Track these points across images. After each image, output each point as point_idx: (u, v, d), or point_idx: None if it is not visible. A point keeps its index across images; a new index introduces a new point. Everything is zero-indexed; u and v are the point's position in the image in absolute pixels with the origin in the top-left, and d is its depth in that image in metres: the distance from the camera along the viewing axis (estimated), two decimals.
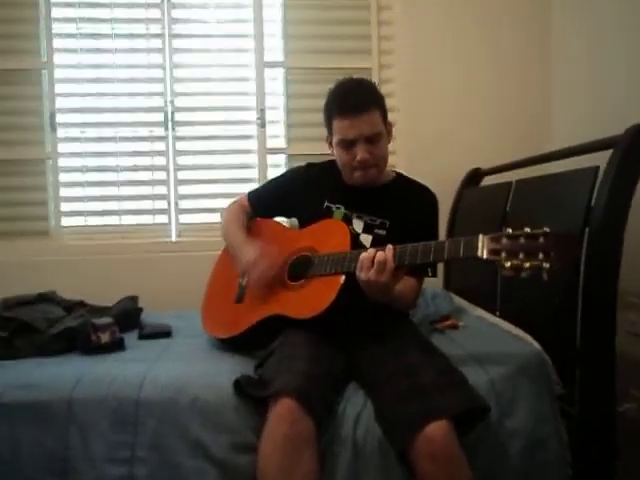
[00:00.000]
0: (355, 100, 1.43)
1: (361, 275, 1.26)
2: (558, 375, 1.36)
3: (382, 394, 1.23)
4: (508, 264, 1.08)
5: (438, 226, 1.57)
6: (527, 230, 1.09)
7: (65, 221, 2.50)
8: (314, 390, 1.16)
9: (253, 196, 1.71)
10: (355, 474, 1.19)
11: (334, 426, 1.22)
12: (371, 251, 1.26)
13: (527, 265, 1.07)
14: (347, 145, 1.44)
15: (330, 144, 1.53)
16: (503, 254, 1.09)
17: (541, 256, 1.06)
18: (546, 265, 1.05)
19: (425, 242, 1.25)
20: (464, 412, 1.13)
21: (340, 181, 1.56)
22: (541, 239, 1.07)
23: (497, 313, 1.82)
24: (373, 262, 1.24)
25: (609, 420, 1.35)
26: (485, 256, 1.12)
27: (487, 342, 1.52)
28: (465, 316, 1.85)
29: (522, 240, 1.08)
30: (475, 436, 1.20)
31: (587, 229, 1.36)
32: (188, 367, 1.40)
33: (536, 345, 1.43)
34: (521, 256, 1.07)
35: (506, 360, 1.36)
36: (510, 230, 1.11)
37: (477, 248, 1.13)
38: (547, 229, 1.08)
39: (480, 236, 1.14)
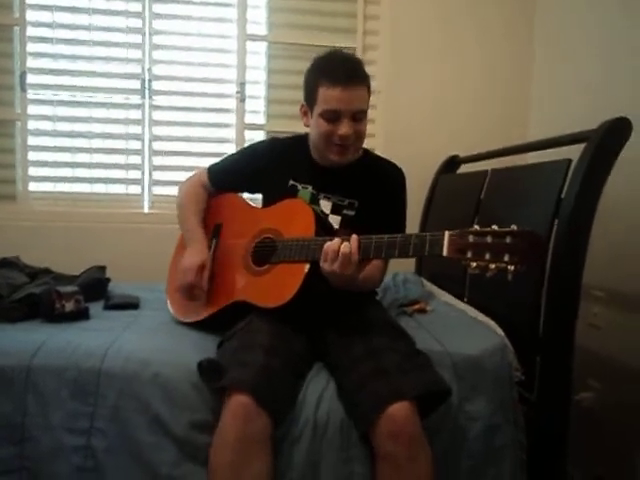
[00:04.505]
0: (349, 71, 1.35)
1: (325, 266, 1.23)
2: (519, 362, 1.39)
3: (347, 375, 1.23)
4: (474, 264, 1.06)
5: (406, 204, 1.52)
6: (494, 227, 1.07)
7: (33, 186, 2.43)
8: (270, 385, 1.14)
9: (213, 171, 1.63)
10: (316, 454, 1.20)
11: (295, 408, 1.22)
12: (336, 241, 1.21)
13: (492, 266, 1.05)
14: (331, 117, 1.36)
15: (304, 113, 1.45)
16: (469, 253, 1.07)
17: (507, 257, 1.04)
18: (511, 267, 1.04)
19: (391, 235, 1.20)
20: (426, 394, 1.15)
21: (307, 158, 1.50)
22: (508, 238, 1.05)
23: (465, 299, 1.85)
24: (338, 254, 1.20)
25: (565, 408, 1.39)
26: (450, 255, 1.09)
27: (453, 327, 1.54)
28: (434, 301, 1.87)
29: (489, 239, 1.06)
30: (436, 418, 1.22)
31: (556, 221, 1.38)
32: (153, 341, 1.39)
33: (500, 332, 1.46)
34: (487, 256, 1.05)
35: (470, 345, 1.38)
36: (477, 227, 1.09)
37: (442, 247, 1.10)
38: (515, 227, 1.06)
39: (446, 234, 1.10)
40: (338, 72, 1.34)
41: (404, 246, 1.18)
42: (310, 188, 1.48)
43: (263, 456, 1.11)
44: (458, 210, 2.06)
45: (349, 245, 1.20)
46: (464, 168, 2.41)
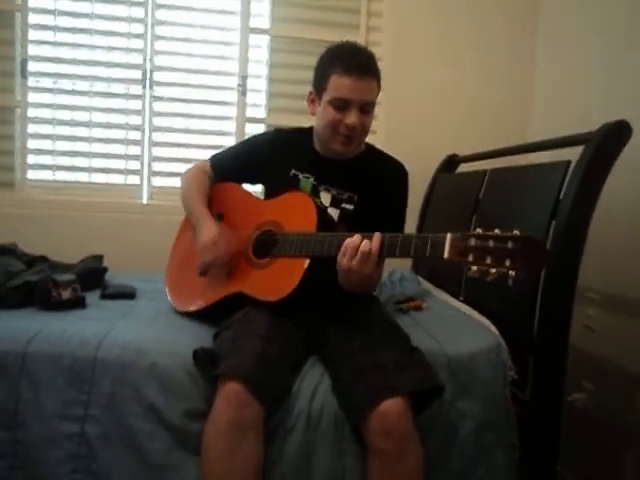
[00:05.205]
0: (363, 63, 1.36)
1: (343, 261, 1.21)
2: (513, 361, 1.40)
3: (342, 369, 1.24)
4: (475, 268, 1.06)
5: (407, 202, 1.51)
6: (497, 232, 1.06)
7: (31, 174, 2.42)
8: (265, 373, 1.15)
9: (216, 161, 1.64)
10: (309, 445, 1.21)
11: (289, 400, 1.22)
12: (357, 237, 1.20)
13: (493, 271, 1.04)
14: (340, 105, 1.35)
15: (312, 101, 1.45)
16: (470, 256, 1.06)
17: (508, 263, 1.03)
18: (512, 273, 1.03)
19: (392, 234, 1.21)
20: (420, 390, 1.16)
21: (310, 150, 1.51)
22: (510, 243, 1.04)
23: (461, 298, 1.86)
24: (357, 250, 1.19)
25: (557, 408, 1.40)
26: (452, 257, 1.09)
27: (448, 325, 1.55)
28: (430, 299, 1.87)
29: (490, 243, 1.05)
30: (428, 415, 1.23)
31: (554, 222, 1.38)
32: (149, 331, 1.39)
33: (494, 331, 1.47)
34: (488, 261, 1.04)
35: (464, 343, 1.39)
36: (480, 230, 1.08)
37: (444, 249, 1.10)
38: (517, 232, 1.05)
39: (448, 236, 1.10)
40: (352, 62, 1.35)
41: (405, 245, 1.18)
42: (312, 179, 1.48)
43: (255, 442, 1.13)
44: (456, 209, 2.06)
45: (370, 243, 1.19)
46: (463, 167, 2.42)
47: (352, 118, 1.36)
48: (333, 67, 1.36)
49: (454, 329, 1.50)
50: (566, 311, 1.37)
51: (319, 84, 1.41)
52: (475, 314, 1.61)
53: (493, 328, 1.48)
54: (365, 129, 1.41)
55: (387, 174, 1.50)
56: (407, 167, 1.55)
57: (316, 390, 1.25)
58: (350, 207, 1.46)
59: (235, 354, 1.17)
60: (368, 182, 1.46)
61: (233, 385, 1.12)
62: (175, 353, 1.27)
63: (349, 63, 1.34)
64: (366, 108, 1.37)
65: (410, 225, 1.60)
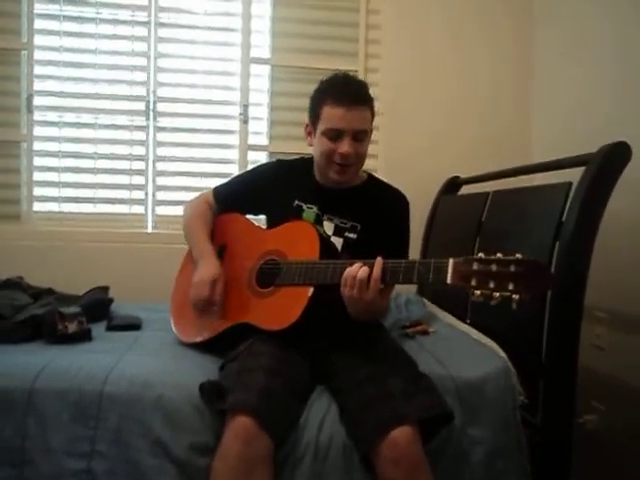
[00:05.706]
0: (354, 92, 1.39)
1: (344, 291, 1.23)
2: (522, 385, 1.39)
3: (350, 399, 1.23)
4: (478, 292, 1.06)
5: (409, 231, 1.53)
6: (499, 256, 1.06)
7: (37, 206, 2.45)
8: (272, 406, 1.14)
9: (219, 192, 1.65)
10: (318, 477, 1.19)
11: (297, 431, 1.21)
12: (355, 267, 1.22)
13: (497, 295, 1.04)
14: (334, 135, 1.39)
15: (309, 133, 1.48)
16: (473, 281, 1.06)
17: (511, 286, 1.03)
18: (515, 296, 1.03)
19: (395, 260, 1.21)
20: (429, 418, 1.15)
21: (312, 180, 1.53)
22: (512, 267, 1.04)
23: (467, 321, 1.85)
24: (355, 279, 1.20)
25: (569, 431, 1.38)
26: (455, 282, 1.09)
27: (455, 349, 1.54)
28: (436, 322, 1.86)
29: (493, 267, 1.05)
30: (438, 442, 1.22)
31: (557, 243, 1.39)
32: (155, 363, 1.38)
33: (502, 355, 1.45)
34: (491, 285, 1.05)
35: (473, 368, 1.38)
36: (482, 255, 1.08)
37: (447, 274, 1.10)
38: (519, 256, 1.05)
39: (450, 261, 1.11)
40: (343, 93, 1.38)
41: (408, 272, 1.19)
42: (315, 208, 1.49)
43: (265, 474, 1.11)
44: (459, 231, 2.06)
45: (367, 270, 1.20)
46: (465, 189, 2.43)
47: (345, 147, 1.38)
48: (325, 99, 1.40)
49: (461, 353, 1.49)
50: (574, 333, 1.36)
51: (313, 116, 1.45)
52: (482, 337, 1.60)
53: (501, 352, 1.47)
54: (360, 157, 1.43)
55: (388, 204, 1.51)
56: (409, 189, 1.57)
57: (324, 420, 1.24)
58: (353, 236, 1.46)
59: (241, 388, 1.17)
60: (370, 211, 1.48)
61: (241, 419, 1.11)
62: (181, 385, 1.26)
63: (340, 94, 1.38)
64: (359, 136, 1.40)
65: (414, 248, 1.60)
